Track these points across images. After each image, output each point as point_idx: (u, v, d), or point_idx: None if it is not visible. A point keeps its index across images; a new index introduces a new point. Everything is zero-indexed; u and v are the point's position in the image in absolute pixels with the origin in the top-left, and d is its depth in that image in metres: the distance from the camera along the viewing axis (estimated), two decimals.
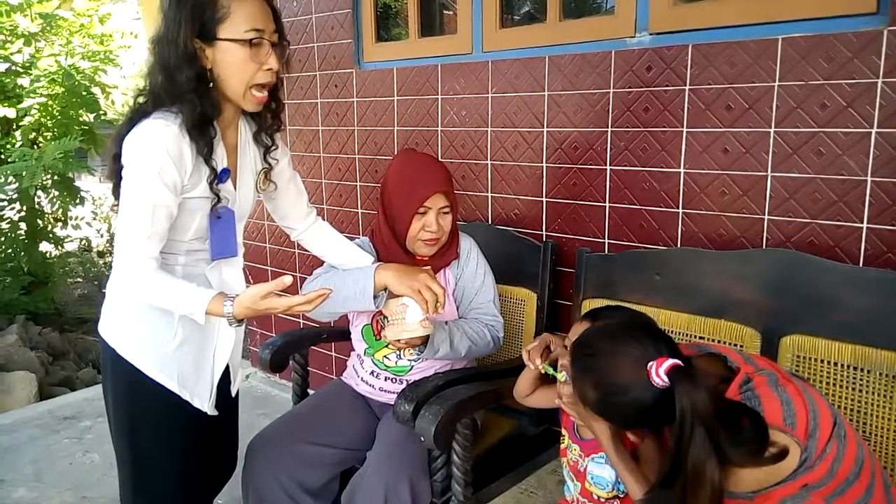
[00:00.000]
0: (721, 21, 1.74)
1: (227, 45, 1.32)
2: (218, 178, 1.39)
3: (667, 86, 1.82)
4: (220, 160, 1.41)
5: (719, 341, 1.61)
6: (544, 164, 2.12)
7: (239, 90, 1.36)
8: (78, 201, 5.01)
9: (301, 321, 2.99)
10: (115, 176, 1.36)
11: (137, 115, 1.34)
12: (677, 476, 1.03)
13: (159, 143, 1.28)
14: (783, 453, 1.02)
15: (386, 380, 1.81)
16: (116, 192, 1.37)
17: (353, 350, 1.92)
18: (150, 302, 1.37)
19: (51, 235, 5.34)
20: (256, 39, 1.33)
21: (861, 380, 1.43)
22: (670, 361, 1.05)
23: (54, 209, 5.09)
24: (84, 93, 5.08)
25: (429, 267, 1.68)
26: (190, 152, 1.33)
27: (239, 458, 1.73)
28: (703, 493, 1.01)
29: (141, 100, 1.37)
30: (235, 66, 1.34)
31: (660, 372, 1.05)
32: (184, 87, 1.31)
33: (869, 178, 1.55)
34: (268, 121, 1.51)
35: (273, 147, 1.55)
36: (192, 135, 1.32)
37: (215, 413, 1.52)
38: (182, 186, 1.34)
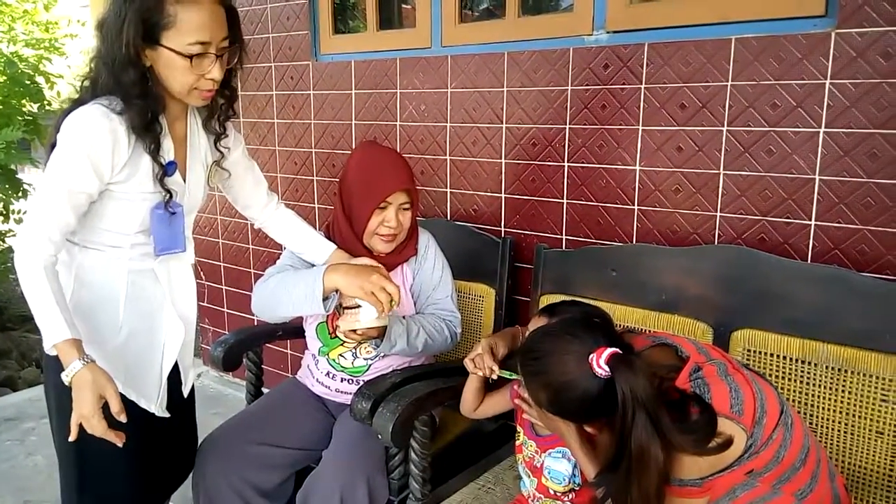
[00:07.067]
0: (676, 21, 1.77)
1: (168, 52, 1.27)
2: (164, 171, 1.35)
3: (623, 84, 1.84)
4: (167, 153, 1.38)
5: None
6: (503, 160, 2.12)
7: (181, 91, 1.34)
8: (20, 194, 4.81)
9: (255, 318, 2.93)
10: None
11: (77, 102, 1.30)
12: (622, 459, 1.06)
13: (94, 128, 1.25)
14: (726, 444, 1.05)
15: (342, 381, 1.78)
16: None
17: (308, 349, 1.88)
18: (24, 290, 1.28)
19: None
20: (199, 53, 1.28)
21: (808, 373, 1.47)
22: (609, 351, 1.08)
23: None
24: (27, 82, 4.87)
25: (381, 266, 1.62)
26: (127, 143, 1.29)
27: None
28: (648, 475, 1.04)
29: (85, 84, 1.33)
30: (175, 73, 1.30)
31: (600, 362, 1.08)
32: (128, 88, 1.27)
33: (817, 177, 1.60)
34: (219, 108, 1.47)
35: (223, 135, 1.51)
36: (138, 132, 1.29)
37: (166, 415, 1.47)
38: (112, 175, 1.30)
